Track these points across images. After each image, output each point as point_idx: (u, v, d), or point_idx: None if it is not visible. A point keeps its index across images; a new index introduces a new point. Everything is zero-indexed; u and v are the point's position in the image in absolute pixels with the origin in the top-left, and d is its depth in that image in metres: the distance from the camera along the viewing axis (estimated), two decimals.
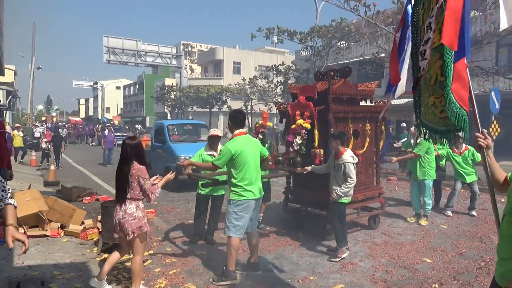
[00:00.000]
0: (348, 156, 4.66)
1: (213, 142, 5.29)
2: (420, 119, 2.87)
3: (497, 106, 10.06)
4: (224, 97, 21.08)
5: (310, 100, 5.62)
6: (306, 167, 5.26)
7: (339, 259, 4.65)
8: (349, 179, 4.59)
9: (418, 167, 6.44)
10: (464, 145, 6.86)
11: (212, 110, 20.91)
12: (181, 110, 31.78)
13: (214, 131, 5.41)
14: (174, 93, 30.73)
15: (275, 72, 16.68)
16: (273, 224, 6.24)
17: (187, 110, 32.64)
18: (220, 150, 4.40)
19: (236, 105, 21.92)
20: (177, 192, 8.95)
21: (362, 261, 4.70)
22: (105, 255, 4.49)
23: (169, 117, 37.28)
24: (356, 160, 4.79)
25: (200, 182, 5.20)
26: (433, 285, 4.00)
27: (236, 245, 3.98)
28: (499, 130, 10.47)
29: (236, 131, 4.14)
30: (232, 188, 4.01)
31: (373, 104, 6.10)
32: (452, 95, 2.32)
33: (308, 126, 5.45)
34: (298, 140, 5.52)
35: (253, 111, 20.35)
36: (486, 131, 2.43)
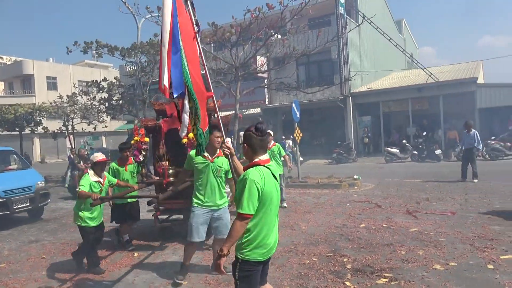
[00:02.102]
0: None
1: (101, 167, 5.06)
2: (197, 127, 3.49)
3: (298, 115, 12.12)
4: (38, 117, 18.51)
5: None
6: None
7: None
8: None
9: None
10: (272, 142, 7.98)
11: (23, 132, 18.02)
12: None
13: (100, 156, 5.07)
14: None
15: (96, 88, 15.72)
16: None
17: None
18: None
19: (54, 125, 19.62)
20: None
21: (197, 265, 5.02)
22: None
23: None
24: None
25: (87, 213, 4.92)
26: None
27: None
28: (301, 134, 12.59)
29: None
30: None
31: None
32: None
33: None
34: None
35: (75, 130, 18.54)
36: (230, 141, 3.39)
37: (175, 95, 3.31)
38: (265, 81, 20.61)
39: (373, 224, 6.56)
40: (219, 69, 14.48)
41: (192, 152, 4.56)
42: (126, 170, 5.93)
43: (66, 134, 18.45)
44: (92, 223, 4.92)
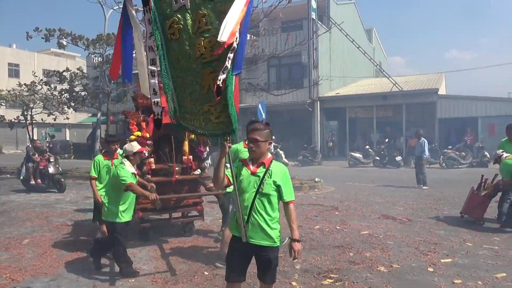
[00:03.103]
0: None
1: (139, 158, 4.82)
2: (181, 124, 3.29)
3: (263, 116, 12.19)
4: None
5: None
6: None
7: None
8: None
9: None
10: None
11: None
12: None
13: (137, 146, 4.67)
14: None
15: (58, 79, 15.11)
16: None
17: None
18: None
19: (13, 114, 18.71)
20: None
21: (146, 264, 4.94)
22: None
23: None
24: None
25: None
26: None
27: None
28: None
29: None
30: None
31: None
32: (233, 101, 2.82)
33: None
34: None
35: (34, 121, 17.74)
36: None
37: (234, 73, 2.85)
38: None
39: (327, 226, 6.69)
40: None
41: (238, 145, 4.62)
42: (112, 165, 5.33)
43: (25, 124, 17.65)
44: (125, 219, 4.56)
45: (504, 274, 4.39)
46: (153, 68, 3.17)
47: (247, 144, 2.99)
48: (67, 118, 18.56)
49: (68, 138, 35.20)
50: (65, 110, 17.63)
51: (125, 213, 4.54)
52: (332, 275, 4.46)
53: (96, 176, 5.48)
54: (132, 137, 5.56)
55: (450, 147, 17.57)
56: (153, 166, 5.78)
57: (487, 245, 5.50)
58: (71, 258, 5.21)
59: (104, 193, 5.11)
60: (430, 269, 4.59)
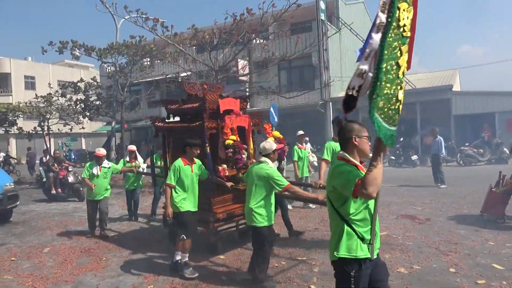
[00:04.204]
0: None
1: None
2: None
3: (276, 119, 12.18)
4: (12, 117, 18.03)
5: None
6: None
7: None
8: None
9: None
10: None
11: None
12: None
13: (274, 143, 4.56)
14: None
15: (73, 89, 15.42)
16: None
17: None
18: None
19: (31, 125, 19.18)
20: None
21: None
22: None
23: None
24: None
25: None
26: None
27: None
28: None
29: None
30: None
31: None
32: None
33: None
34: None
35: (50, 131, 18.12)
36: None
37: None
38: (246, 84, 20.66)
39: (298, 226, 6.64)
40: (199, 71, 14.46)
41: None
42: (191, 172, 4.93)
43: (42, 135, 18.04)
44: (272, 221, 4.45)
45: None
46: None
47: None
48: (83, 128, 18.95)
49: (84, 147, 35.84)
50: (80, 119, 17.97)
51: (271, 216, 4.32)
52: (237, 276, 4.46)
53: (174, 184, 4.80)
54: (229, 141, 5.32)
55: (467, 144, 17.22)
56: (227, 173, 5.39)
57: (510, 244, 5.37)
58: (91, 265, 5.28)
59: (189, 202, 4.87)
60: (452, 270, 4.50)
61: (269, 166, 4.27)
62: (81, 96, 15.87)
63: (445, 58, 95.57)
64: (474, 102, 19.38)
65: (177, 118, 6.18)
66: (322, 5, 21.46)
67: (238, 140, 5.38)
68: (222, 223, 5.60)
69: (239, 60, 17.19)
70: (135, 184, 8.13)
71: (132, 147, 8.43)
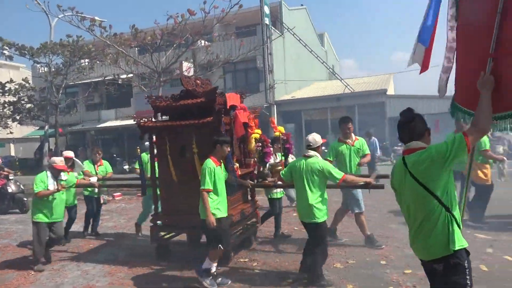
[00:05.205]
0: None
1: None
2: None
3: None
4: None
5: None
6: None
7: None
8: None
9: None
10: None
11: None
12: None
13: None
14: None
15: (0, 91, 14.23)
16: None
17: None
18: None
19: None
20: None
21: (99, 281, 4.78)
22: None
23: None
24: None
25: None
26: None
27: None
28: None
29: None
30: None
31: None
32: None
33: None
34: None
35: None
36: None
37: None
38: None
39: (287, 228, 6.81)
40: (141, 73, 14.06)
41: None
42: (222, 173, 4.54)
43: None
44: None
45: None
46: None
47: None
48: (11, 133, 17.33)
49: (13, 154, 33.07)
50: (8, 124, 16.57)
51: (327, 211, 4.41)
52: (290, 275, 4.56)
53: (212, 188, 4.31)
54: (256, 135, 5.25)
55: (400, 144, 18.46)
56: (239, 172, 5.10)
57: None
58: (22, 279, 4.92)
59: (223, 206, 4.48)
60: (383, 262, 4.83)
61: (322, 160, 4.31)
62: (10, 98, 14.66)
63: (382, 63, 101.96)
64: (405, 105, 20.37)
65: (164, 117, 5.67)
66: (267, 10, 21.90)
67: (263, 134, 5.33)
68: (236, 226, 5.24)
69: (183, 62, 16.99)
70: (69, 201, 6.34)
71: (69, 153, 6.68)
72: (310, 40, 26.11)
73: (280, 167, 5.19)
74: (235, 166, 4.95)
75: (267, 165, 5.52)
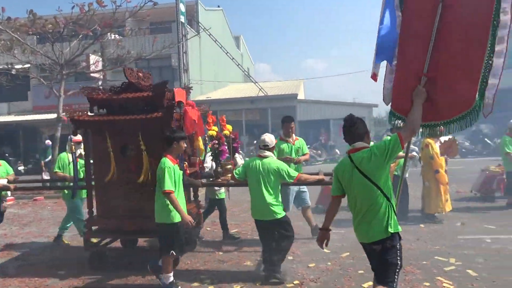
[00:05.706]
0: None
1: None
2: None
3: None
4: None
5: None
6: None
7: None
8: None
9: None
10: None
11: None
12: None
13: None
14: None
15: None
16: None
17: None
18: None
19: None
20: None
21: None
22: None
23: None
24: None
25: None
26: None
27: None
28: None
29: None
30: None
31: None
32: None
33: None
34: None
35: None
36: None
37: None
38: (100, 82, 19.15)
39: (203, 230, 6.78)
40: (41, 64, 12.74)
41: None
42: (179, 171, 4.23)
43: None
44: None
45: (348, 253, 5.16)
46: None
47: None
48: None
49: None
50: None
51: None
52: (202, 276, 4.56)
53: (174, 190, 3.97)
54: (212, 132, 5.16)
55: (309, 146, 19.64)
56: (188, 171, 4.85)
57: (335, 229, 6.35)
58: None
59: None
60: (290, 257, 5.07)
61: (277, 160, 4.44)
62: None
63: (294, 68, 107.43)
64: (314, 109, 22.29)
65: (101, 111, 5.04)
66: (182, 8, 21.49)
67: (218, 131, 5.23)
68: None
69: (91, 55, 15.84)
70: None
71: None
72: (226, 42, 26.35)
73: (230, 166, 5.22)
74: (184, 165, 4.78)
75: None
